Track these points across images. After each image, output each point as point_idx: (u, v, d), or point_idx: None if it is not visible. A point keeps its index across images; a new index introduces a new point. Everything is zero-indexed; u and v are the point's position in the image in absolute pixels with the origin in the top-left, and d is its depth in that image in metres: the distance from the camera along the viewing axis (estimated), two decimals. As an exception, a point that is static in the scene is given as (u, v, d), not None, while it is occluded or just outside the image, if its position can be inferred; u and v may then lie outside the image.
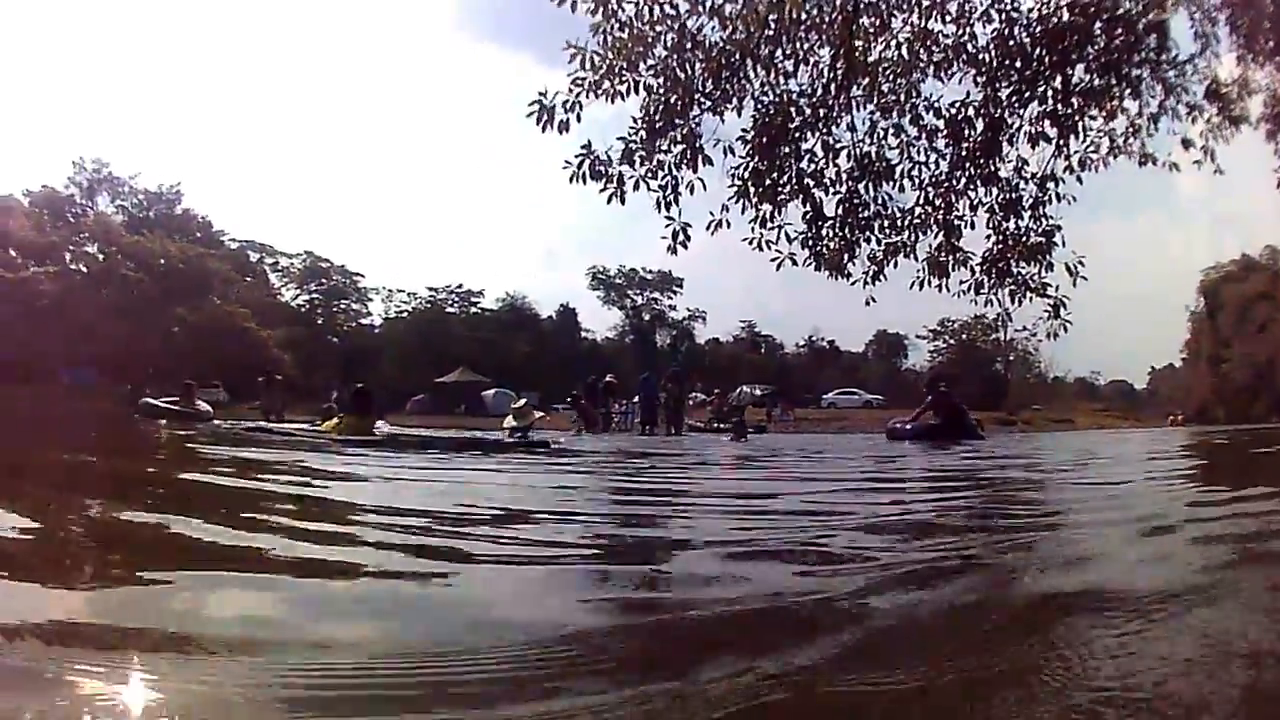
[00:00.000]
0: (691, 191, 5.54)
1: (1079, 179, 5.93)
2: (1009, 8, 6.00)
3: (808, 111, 5.65)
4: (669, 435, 16.49)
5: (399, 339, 47.79)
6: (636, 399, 19.19)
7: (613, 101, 5.68)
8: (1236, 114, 6.70)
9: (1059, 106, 5.96)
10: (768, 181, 5.53)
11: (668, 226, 5.48)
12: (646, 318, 57.89)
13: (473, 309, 51.64)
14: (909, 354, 58.85)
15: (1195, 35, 6.72)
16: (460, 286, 51.58)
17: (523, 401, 11.79)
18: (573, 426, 16.63)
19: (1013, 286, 5.76)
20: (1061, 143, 5.93)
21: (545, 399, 28.07)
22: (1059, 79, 6.02)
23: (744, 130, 5.59)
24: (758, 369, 52.27)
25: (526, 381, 33.68)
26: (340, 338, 49.23)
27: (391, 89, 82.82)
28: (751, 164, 5.55)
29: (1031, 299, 5.78)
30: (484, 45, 78.96)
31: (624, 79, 5.65)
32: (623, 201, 5.56)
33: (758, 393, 33.59)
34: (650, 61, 5.70)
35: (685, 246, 5.51)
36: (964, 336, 50.40)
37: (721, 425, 20.03)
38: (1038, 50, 6.02)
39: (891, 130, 5.72)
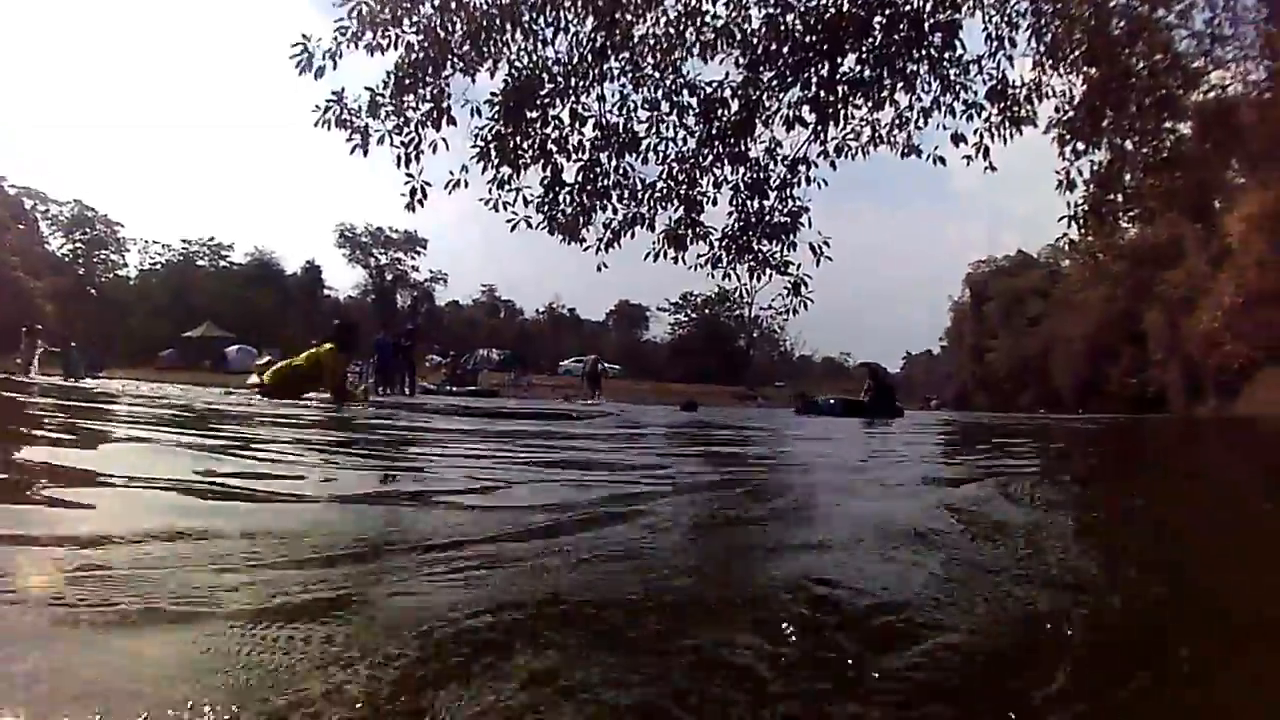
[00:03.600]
0: (435, 150, 5.61)
1: (833, 164, 6.03)
2: (786, -8, 6.08)
3: (560, 80, 5.71)
4: (402, 396, 16.54)
5: (152, 291, 47.46)
6: (373, 359, 19.18)
7: (373, 55, 5.74)
8: (1022, 116, 6.80)
9: (822, 93, 6.04)
10: (510, 144, 5.59)
11: (407, 183, 5.56)
12: (389, 278, 58.00)
13: (222, 263, 51.50)
14: (650, 325, 60.91)
15: (988, 37, 6.81)
16: (212, 239, 51.61)
17: (266, 359, 11.93)
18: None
19: (752, 263, 5.87)
20: (819, 128, 6.02)
21: (286, 356, 28.46)
22: (827, 67, 6.11)
23: (493, 93, 5.64)
24: (497, 333, 53.31)
25: (270, 338, 33.80)
26: (97, 289, 48.43)
27: (170, 27, 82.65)
28: (496, 126, 5.61)
29: (771, 276, 5.90)
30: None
31: (386, 33, 5.72)
32: (365, 154, 5.62)
33: (495, 356, 33.66)
34: (414, 18, 5.76)
35: (422, 205, 5.58)
36: (706, 311, 51.06)
37: (455, 388, 20.58)
38: (809, 37, 6.09)
39: (643, 104, 5.79)
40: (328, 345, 8.43)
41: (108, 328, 30.04)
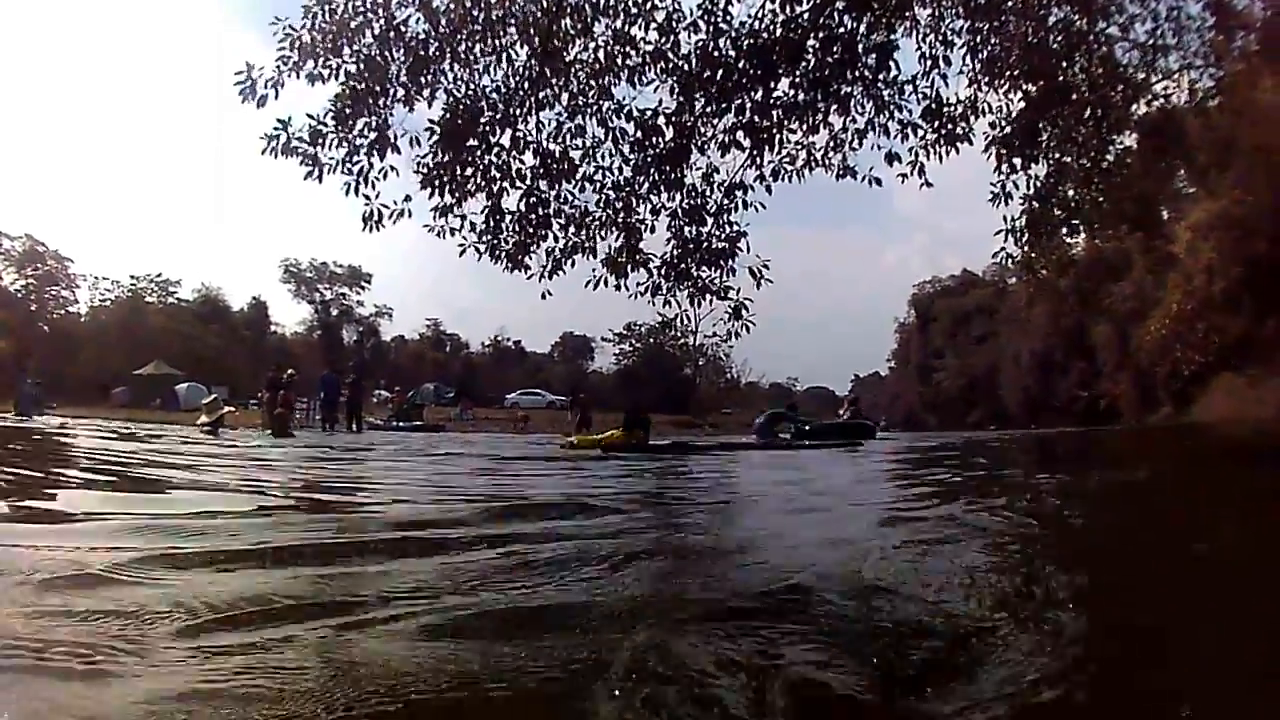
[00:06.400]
0: (385, 178, 5.76)
1: (768, 189, 6.19)
2: (718, 20, 6.24)
3: (500, 108, 5.86)
4: (350, 433, 17.19)
5: (102, 328, 47.06)
6: (320, 396, 19.46)
7: (314, 85, 5.89)
8: (957, 134, 6.96)
9: (756, 118, 6.20)
10: (453, 172, 5.74)
11: (365, 205, 5.71)
12: (334, 313, 57.76)
13: (170, 299, 51.25)
14: (595, 356, 60.20)
15: (921, 56, 6.98)
16: (159, 275, 51.22)
17: (213, 397, 12.33)
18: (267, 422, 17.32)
19: (691, 289, 6.03)
20: (755, 153, 6.18)
21: (234, 393, 28.98)
22: (760, 92, 6.27)
23: (432, 121, 5.78)
24: (442, 367, 53.53)
25: (218, 375, 34.47)
26: (49, 325, 48.21)
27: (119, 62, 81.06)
28: (437, 155, 5.75)
29: (712, 302, 6.07)
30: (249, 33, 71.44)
31: (327, 63, 5.85)
32: (320, 180, 5.76)
33: (446, 393, 34.15)
34: (354, 48, 5.90)
35: (380, 227, 5.75)
36: (651, 340, 51.09)
37: (401, 423, 21.35)
38: (742, 63, 6.25)
39: (576, 131, 5.94)
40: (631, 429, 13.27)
41: (60, 365, 30.20)
